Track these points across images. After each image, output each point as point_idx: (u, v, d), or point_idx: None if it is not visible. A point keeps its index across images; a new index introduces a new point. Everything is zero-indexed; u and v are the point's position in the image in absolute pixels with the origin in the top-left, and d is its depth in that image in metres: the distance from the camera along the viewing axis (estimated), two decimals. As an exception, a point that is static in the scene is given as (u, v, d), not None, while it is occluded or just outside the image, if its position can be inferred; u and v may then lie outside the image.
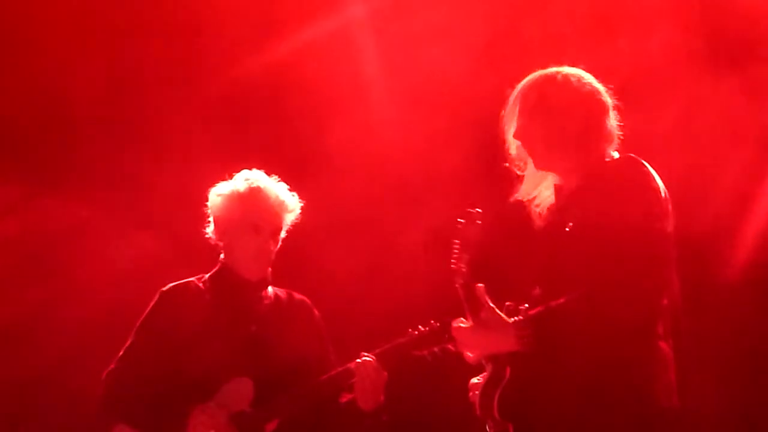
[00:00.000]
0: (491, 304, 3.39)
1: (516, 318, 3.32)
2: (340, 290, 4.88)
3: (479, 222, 3.61)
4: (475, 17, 5.35)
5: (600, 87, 3.56)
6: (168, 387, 4.26)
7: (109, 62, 5.77)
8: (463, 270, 3.60)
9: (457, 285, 3.60)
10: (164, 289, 4.39)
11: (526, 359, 3.33)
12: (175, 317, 4.30)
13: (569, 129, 3.46)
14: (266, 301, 4.39)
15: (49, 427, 5.70)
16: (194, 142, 5.63)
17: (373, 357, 4.17)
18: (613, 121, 3.55)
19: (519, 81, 3.59)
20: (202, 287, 4.41)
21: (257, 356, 4.24)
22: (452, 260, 3.62)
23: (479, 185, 4.84)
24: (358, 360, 4.18)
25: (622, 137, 3.58)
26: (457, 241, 3.63)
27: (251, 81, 5.68)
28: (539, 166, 3.56)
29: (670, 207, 3.40)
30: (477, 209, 3.63)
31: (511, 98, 3.57)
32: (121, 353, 4.34)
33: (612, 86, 4.57)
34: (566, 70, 3.56)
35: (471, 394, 3.58)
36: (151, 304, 4.38)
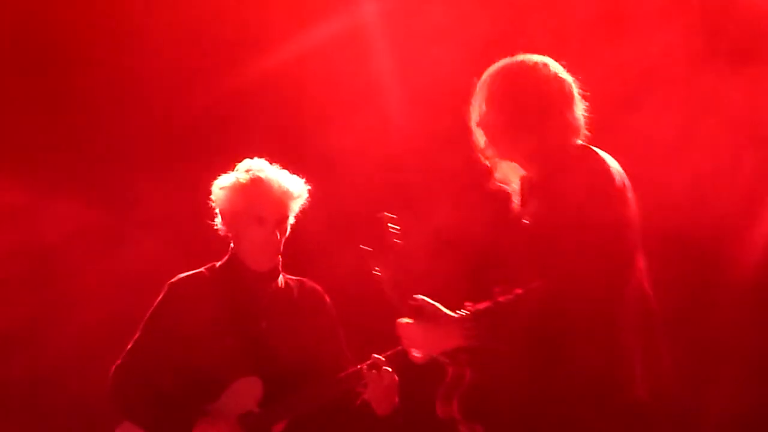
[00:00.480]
0: (434, 302, 3.33)
1: (461, 313, 3.26)
2: (343, 291, 4.87)
3: (395, 226, 3.55)
4: (479, 19, 5.34)
5: (566, 77, 3.51)
6: (175, 384, 4.25)
7: (111, 63, 5.74)
8: (389, 275, 3.49)
9: (386, 291, 3.50)
10: (172, 281, 4.34)
11: (485, 359, 3.28)
12: (183, 311, 4.26)
13: (528, 118, 3.41)
14: (277, 293, 4.33)
15: (54, 428, 5.70)
16: (199, 144, 5.63)
17: (384, 359, 4.15)
18: (578, 112, 3.49)
19: None
20: (211, 279, 4.34)
21: (267, 354, 4.21)
22: (374, 268, 3.54)
23: (483, 186, 4.85)
24: (369, 362, 4.15)
25: (588, 131, 3.53)
26: (373, 248, 3.54)
27: (254, 83, 5.65)
28: (500, 155, 3.52)
29: (629, 194, 3.34)
30: (390, 215, 3.59)
31: (477, 86, 3.54)
32: (128, 347, 4.30)
33: (614, 87, 4.60)
34: (533, 58, 3.51)
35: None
36: (159, 296, 4.33)
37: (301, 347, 4.26)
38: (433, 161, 5.41)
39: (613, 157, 5.13)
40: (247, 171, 4.32)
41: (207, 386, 4.21)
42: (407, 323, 3.36)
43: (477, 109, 3.52)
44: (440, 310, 3.30)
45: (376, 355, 4.15)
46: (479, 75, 3.50)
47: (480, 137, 3.54)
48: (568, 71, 5.20)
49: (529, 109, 3.41)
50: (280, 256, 4.35)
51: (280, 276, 4.37)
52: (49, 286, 5.68)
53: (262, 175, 4.30)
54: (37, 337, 5.69)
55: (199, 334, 4.22)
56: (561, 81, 3.48)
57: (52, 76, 5.79)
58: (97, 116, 5.79)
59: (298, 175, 4.38)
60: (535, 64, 3.49)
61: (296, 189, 4.33)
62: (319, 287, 4.46)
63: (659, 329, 3.40)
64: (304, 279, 4.46)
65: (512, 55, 3.47)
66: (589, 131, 5.11)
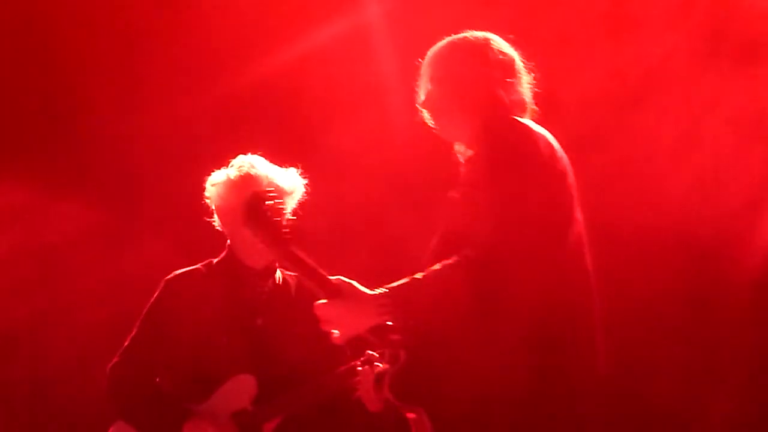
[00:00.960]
0: (351, 281, 3.24)
1: (378, 291, 3.17)
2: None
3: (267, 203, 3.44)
4: (483, 20, 5.33)
5: (510, 52, 3.43)
6: (170, 381, 4.25)
7: (115, 65, 5.75)
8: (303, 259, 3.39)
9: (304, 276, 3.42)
10: (168, 277, 4.33)
11: (419, 338, 3.20)
12: (179, 308, 4.25)
13: (468, 96, 3.35)
14: (274, 290, 4.31)
15: (53, 427, 5.70)
16: (201, 145, 5.61)
17: (378, 355, 4.13)
18: (522, 87, 3.42)
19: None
20: (208, 275, 4.33)
21: (262, 352, 4.20)
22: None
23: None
24: (363, 359, 4.10)
25: (535, 106, 3.45)
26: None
27: (258, 83, 5.65)
28: (443, 134, 3.46)
29: (562, 168, 3.25)
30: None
31: (422, 65, 3.49)
32: (125, 345, 4.30)
33: (618, 87, 4.55)
34: (476, 34, 3.45)
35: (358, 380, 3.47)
36: (156, 293, 4.32)
37: (297, 344, 4.23)
38: (434, 160, 5.39)
39: (618, 155, 5.17)
40: (238, 167, 4.30)
41: (202, 383, 4.20)
42: (323, 303, 3.26)
43: (422, 88, 3.46)
44: (357, 288, 3.20)
45: (370, 352, 4.13)
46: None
47: (427, 117, 3.48)
48: (572, 71, 5.22)
49: (469, 86, 3.35)
50: None
51: (278, 272, 4.35)
52: (50, 286, 5.68)
53: (251, 171, 4.27)
54: (39, 337, 5.72)
55: (195, 330, 4.21)
56: (503, 57, 3.39)
57: (54, 76, 5.81)
58: (99, 115, 5.80)
59: (302, 173, 4.37)
60: (477, 40, 3.42)
61: (289, 184, 4.30)
62: None
63: (599, 308, 3.30)
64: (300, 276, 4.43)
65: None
66: (595, 131, 5.17)
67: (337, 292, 3.22)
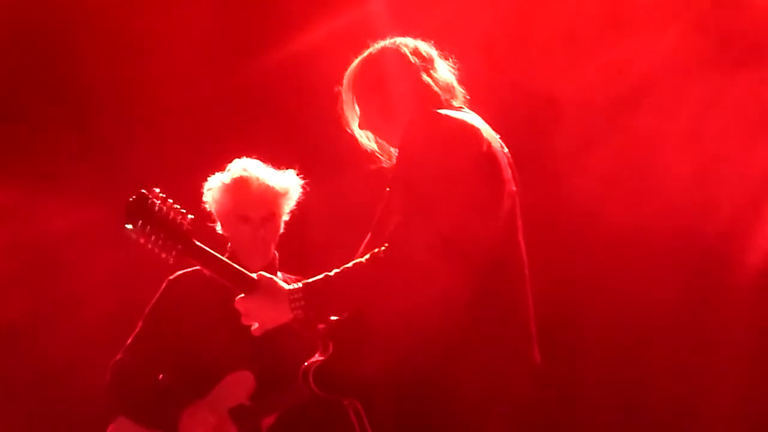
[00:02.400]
0: (270, 276, 3.31)
1: (292, 286, 3.24)
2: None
3: (157, 201, 3.37)
4: (487, 16, 5.34)
5: (417, 44, 3.45)
6: (171, 378, 4.32)
7: (114, 60, 5.77)
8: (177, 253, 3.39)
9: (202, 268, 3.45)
10: (171, 277, 4.42)
11: (346, 329, 3.25)
12: (181, 307, 4.33)
13: (390, 101, 3.38)
14: None
15: (54, 424, 5.71)
16: (202, 142, 5.62)
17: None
18: (442, 72, 3.43)
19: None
20: (210, 276, 4.37)
21: (261, 349, 4.19)
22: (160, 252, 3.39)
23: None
24: None
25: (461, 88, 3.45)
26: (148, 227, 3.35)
27: (259, 81, 5.68)
28: (393, 145, 3.45)
29: (490, 151, 3.22)
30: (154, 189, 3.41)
31: (342, 92, 3.52)
32: (128, 342, 4.38)
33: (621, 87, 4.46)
34: (375, 46, 3.48)
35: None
36: (159, 292, 4.41)
37: (295, 341, 4.22)
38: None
39: (621, 155, 5.16)
40: (230, 171, 4.38)
41: (202, 379, 4.25)
42: (241, 297, 3.32)
43: (351, 113, 3.50)
44: (275, 283, 3.28)
45: None
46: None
47: (368, 139, 3.53)
48: (573, 70, 5.20)
49: (389, 91, 3.38)
50: (275, 252, 4.40)
51: (278, 273, 4.37)
52: (50, 285, 5.67)
53: (244, 174, 4.35)
54: (38, 334, 5.69)
55: (196, 329, 4.28)
56: (413, 51, 3.42)
57: (56, 70, 5.83)
58: (99, 114, 5.82)
59: (302, 174, 4.41)
60: (384, 48, 3.45)
61: (282, 186, 4.36)
62: None
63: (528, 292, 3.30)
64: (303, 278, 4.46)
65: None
66: (596, 131, 5.15)
67: (255, 287, 3.30)
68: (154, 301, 4.40)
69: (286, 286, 3.25)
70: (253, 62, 5.69)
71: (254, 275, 3.35)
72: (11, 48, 5.81)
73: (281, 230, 4.42)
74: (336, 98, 3.54)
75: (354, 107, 3.48)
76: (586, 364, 5.31)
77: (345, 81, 3.51)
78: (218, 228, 4.41)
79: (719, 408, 5.19)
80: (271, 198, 4.34)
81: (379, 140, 3.52)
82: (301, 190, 4.41)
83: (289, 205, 4.40)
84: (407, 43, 3.45)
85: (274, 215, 4.35)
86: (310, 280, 3.22)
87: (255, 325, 3.33)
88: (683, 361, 5.26)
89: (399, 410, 3.17)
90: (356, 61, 3.49)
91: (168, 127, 5.71)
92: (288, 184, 4.37)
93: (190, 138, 5.73)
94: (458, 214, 3.09)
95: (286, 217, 4.42)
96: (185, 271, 4.39)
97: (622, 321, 5.31)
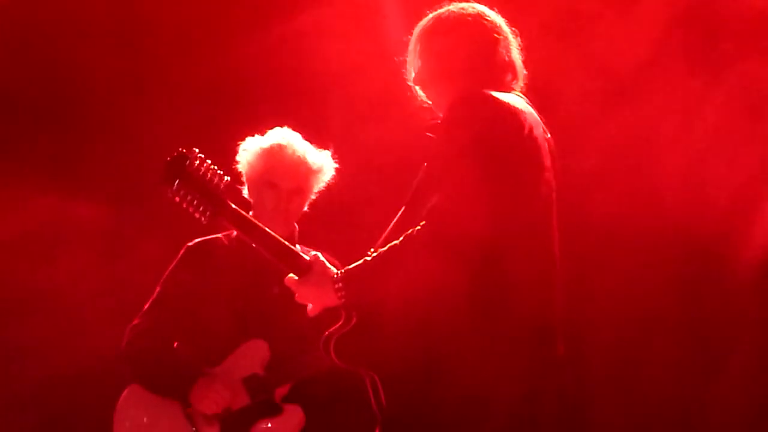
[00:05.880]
0: (320, 257, 3.30)
1: (337, 272, 3.22)
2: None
3: (196, 161, 3.36)
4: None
5: (496, 19, 3.43)
6: (186, 347, 4.31)
7: (111, 57, 5.74)
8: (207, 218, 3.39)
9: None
10: (190, 244, 4.40)
11: (368, 307, 3.22)
12: (198, 274, 4.31)
13: (448, 68, 3.36)
14: None
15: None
16: (201, 142, 5.60)
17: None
18: (510, 52, 3.41)
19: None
20: (228, 244, 4.40)
21: (276, 319, 4.24)
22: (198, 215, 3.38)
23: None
24: None
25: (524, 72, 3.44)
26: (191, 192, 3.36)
27: (259, 77, 5.63)
28: (437, 109, 3.43)
29: (530, 132, 3.20)
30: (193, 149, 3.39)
31: (411, 43, 3.48)
32: (144, 307, 4.37)
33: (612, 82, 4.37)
34: (460, 5, 3.44)
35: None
36: (176, 259, 4.39)
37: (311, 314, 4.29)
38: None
39: (613, 152, 5.10)
40: (271, 136, 4.37)
41: (216, 348, 4.26)
42: (294, 280, 3.31)
43: (413, 65, 3.47)
44: (325, 268, 3.27)
45: None
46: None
47: (420, 94, 3.50)
48: (566, 65, 5.14)
49: (450, 58, 3.36)
50: (296, 225, 4.38)
51: (297, 246, 4.38)
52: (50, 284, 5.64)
53: (282, 142, 4.34)
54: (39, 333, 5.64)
55: (212, 296, 4.28)
56: (488, 24, 3.40)
57: (53, 71, 5.79)
58: (100, 113, 5.79)
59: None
60: (461, 11, 3.42)
61: (317, 162, 4.36)
62: (337, 262, 4.47)
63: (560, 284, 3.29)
64: (322, 252, 4.48)
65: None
66: (589, 126, 5.11)
67: (309, 270, 3.28)
68: (171, 266, 4.38)
69: (334, 271, 3.24)
70: (254, 42, 5.63)
71: (306, 257, 3.33)
72: (11, 49, 5.78)
73: (305, 208, 4.40)
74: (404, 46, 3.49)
75: (417, 60, 3.44)
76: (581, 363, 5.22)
77: (416, 31, 3.47)
78: (245, 191, 4.38)
79: (716, 406, 5.18)
80: (303, 172, 4.32)
81: (427, 101, 3.47)
82: (333, 172, 4.40)
83: (318, 185, 4.39)
84: (486, 13, 3.42)
85: (302, 190, 4.34)
86: (351, 266, 3.20)
87: (310, 306, 3.32)
88: (678, 358, 5.26)
89: (416, 388, 3.17)
90: (432, 15, 3.46)
91: (169, 129, 5.55)
92: (323, 163, 4.37)
93: (192, 137, 5.71)
94: (494, 197, 3.08)
95: (313, 196, 4.40)
96: (203, 238, 4.39)
97: (617, 319, 5.27)
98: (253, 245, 3.42)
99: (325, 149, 4.43)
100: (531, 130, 3.21)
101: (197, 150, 3.39)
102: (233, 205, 3.41)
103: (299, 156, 4.32)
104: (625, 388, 5.31)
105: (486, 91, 3.23)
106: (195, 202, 3.36)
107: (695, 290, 5.27)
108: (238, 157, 4.39)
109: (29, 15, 5.75)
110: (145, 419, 4.27)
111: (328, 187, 4.45)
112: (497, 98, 3.21)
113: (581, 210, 5.04)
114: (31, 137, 5.83)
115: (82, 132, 5.81)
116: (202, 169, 3.37)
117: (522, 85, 3.43)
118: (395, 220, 3.33)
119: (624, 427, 5.32)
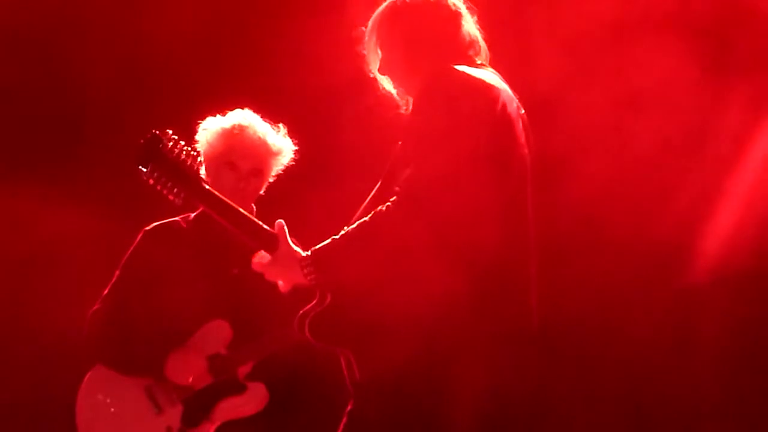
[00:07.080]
0: (286, 237, 3.25)
1: (305, 254, 3.17)
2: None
3: (169, 142, 3.34)
4: (487, 16, 5.34)
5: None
6: (148, 327, 4.32)
7: (114, 63, 5.75)
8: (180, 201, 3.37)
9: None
10: (147, 228, 4.41)
11: (341, 286, 3.19)
12: (157, 257, 4.33)
13: (412, 51, 3.35)
14: None
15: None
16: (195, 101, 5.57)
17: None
18: (469, 28, 3.40)
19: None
20: (186, 227, 4.42)
21: (237, 299, 4.26)
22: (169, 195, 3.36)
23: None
24: None
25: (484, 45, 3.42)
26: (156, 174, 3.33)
27: (261, 80, 5.59)
28: (409, 94, 3.42)
29: (496, 98, 3.18)
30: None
31: (366, 34, 3.47)
32: (104, 292, 4.39)
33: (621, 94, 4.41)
34: None
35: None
36: (134, 243, 4.41)
37: (271, 292, 4.24)
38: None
39: (620, 160, 5.15)
40: (231, 117, 4.36)
41: (178, 329, 4.28)
42: (262, 261, 3.29)
43: (373, 55, 3.46)
44: (291, 250, 3.23)
45: None
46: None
47: (387, 83, 3.48)
48: (575, 77, 5.17)
49: (413, 41, 3.35)
50: (253, 206, 4.36)
51: None
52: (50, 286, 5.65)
53: (242, 122, 4.33)
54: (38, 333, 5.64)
55: (172, 278, 4.29)
56: (445, 2, 3.39)
57: (55, 75, 5.79)
58: (100, 112, 5.81)
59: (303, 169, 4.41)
60: None
61: (277, 144, 4.36)
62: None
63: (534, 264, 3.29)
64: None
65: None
66: (597, 134, 5.13)
67: (274, 245, 3.25)
68: (130, 251, 4.39)
69: (299, 253, 3.20)
70: (254, 42, 5.66)
71: (271, 230, 3.29)
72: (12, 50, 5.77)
73: (262, 191, 4.40)
74: (359, 38, 3.48)
75: (376, 50, 3.43)
76: (577, 363, 5.33)
77: (371, 22, 3.45)
78: (202, 171, 4.41)
79: (709, 407, 5.25)
80: (263, 153, 4.32)
81: (397, 87, 3.46)
82: (292, 155, 4.40)
83: (277, 167, 4.39)
84: None
85: (261, 172, 4.33)
86: (319, 246, 3.16)
87: (280, 284, 3.29)
88: (674, 361, 5.29)
89: (393, 364, 3.13)
90: (384, 3, 3.44)
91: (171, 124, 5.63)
92: (282, 145, 4.37)
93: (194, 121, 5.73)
94: (466, 171, 3.06)
95: (271, 179, 4.41)
96: (161, 222, 4.41)
97: (615, 319, 5.29)
98: (228, 227, 3.39)
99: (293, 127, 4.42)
100: (504, 105, 3.21)
101: (171, 131, 3.38)
102: (207, 186, 3.41)
103: (259, 137, 4.31)
104: (624, 388, 5.37)
105: (457, 67, 3.24)
106: (169, 184, 3.34)
107: (687, 295, 5.28)
108: (197, 136, 4.36)
109: (29, 15, 5.74)
110: (108, 401, 4.31)
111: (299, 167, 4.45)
112: (469, 74, 3.22)
113: (586, 220, 5.12)
114: (31, 137, 5.82)
115: (82, 132, 5.82)
116: (176, 150, 3.35)
117: (485, 58, 3.42)
118: (369, 198, 3.31)
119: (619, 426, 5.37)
